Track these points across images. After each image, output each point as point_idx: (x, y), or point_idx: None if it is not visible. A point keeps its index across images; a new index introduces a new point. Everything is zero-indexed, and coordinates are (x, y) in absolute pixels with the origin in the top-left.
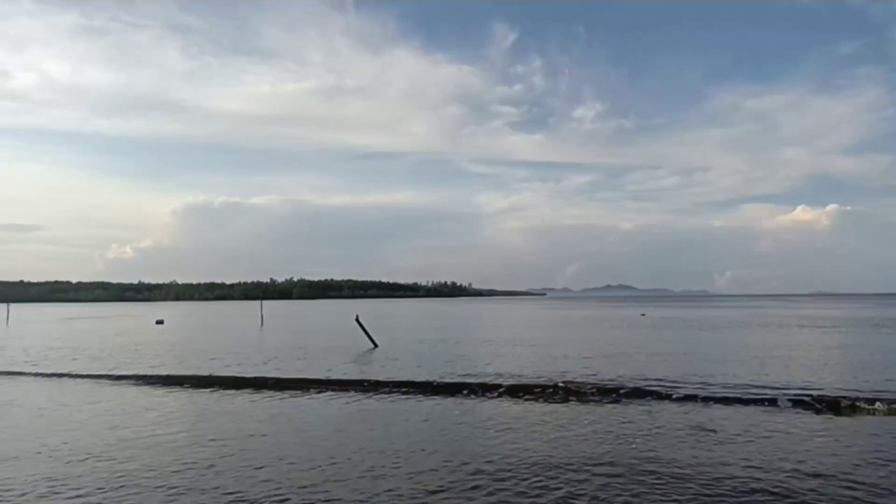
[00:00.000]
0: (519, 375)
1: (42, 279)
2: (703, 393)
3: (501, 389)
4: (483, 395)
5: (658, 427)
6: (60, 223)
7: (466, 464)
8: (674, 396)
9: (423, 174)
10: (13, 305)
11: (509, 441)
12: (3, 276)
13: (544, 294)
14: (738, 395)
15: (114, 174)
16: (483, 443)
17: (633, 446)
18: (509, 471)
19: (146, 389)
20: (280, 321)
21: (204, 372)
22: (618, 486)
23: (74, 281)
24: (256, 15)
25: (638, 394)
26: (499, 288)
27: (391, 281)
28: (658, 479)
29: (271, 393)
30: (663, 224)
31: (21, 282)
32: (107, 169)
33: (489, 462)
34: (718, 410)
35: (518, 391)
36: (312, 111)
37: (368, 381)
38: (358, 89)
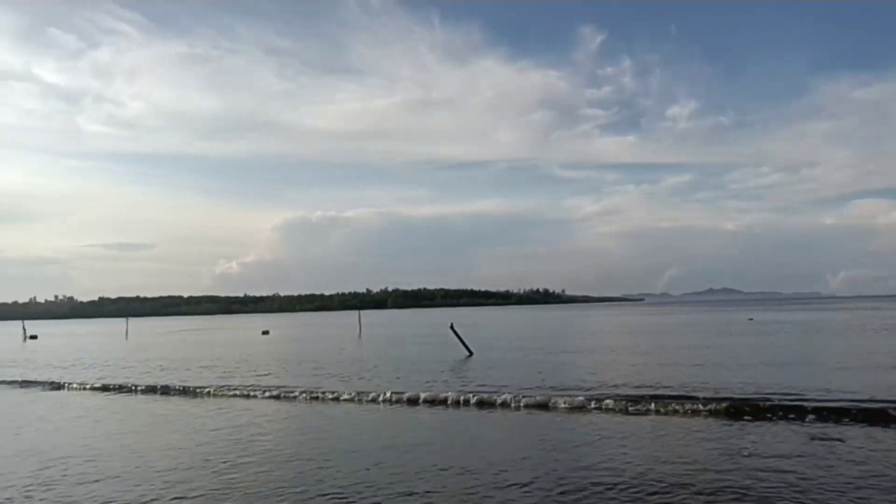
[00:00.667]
0: (622, 385)
1: (156, 294)
2: (824, 404)
3: (606, 402)
4: (585, 406)
5: (777, 441)
6: (171, 241)
7: (567, 482)
8: (791, 407)
9: (512, 181)
10: (131, 319)
11: (614, 456)
12: (122, 292)
13: (642, 300)
14: (864, 407)
15: (218, 193)
16: (587, 459)
17: (752, 463)
18: (618, 488)
19: (260, 401)
20: (377, 331)
21: (313, 383)
22: None
23: (185, 295)
24: (347, 34)
25: (753, 405)
26: (593, 294)
27: (482, 289)
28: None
29: (373, 406)
30: (768, 223)
31: (137, 297)
32: (211, 189)
33: (594, 480)
34: (843, 423)
35: (622, 403)
36: (401, 125)
37: (466, 391)
38: (445, 101)
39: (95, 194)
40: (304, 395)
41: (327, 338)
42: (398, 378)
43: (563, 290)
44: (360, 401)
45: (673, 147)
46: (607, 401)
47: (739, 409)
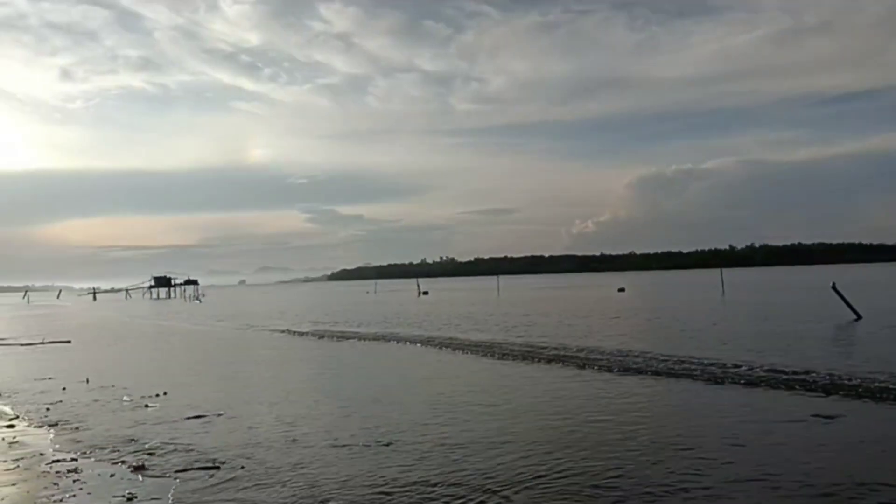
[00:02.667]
0: None
1: (521, 254)
2: None
3: None
4: None
5: None
6: (533, 204)
7: None
8: None
9: None
10: (500, 277)
11: None
12: (493, 253)
13: None
14: None
15: (573, 156)
16: None
17: None
18: None
19: (632, 378)
20: (742, 290)
21: (679, 353)
22: None
23: (546, 255)
24: None
25: None
26: None
27: (875, 242)
28: None
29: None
30: None
31: (505, 257)
32: (567, 152)
33: None
34: None
35: None
36: (767, 60)
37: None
38: (821, 25)
39: (469, 166)
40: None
41: (686, 298)
42: (773, 350)
43: None
44: (735, 381)
45: None
46: None
47: None
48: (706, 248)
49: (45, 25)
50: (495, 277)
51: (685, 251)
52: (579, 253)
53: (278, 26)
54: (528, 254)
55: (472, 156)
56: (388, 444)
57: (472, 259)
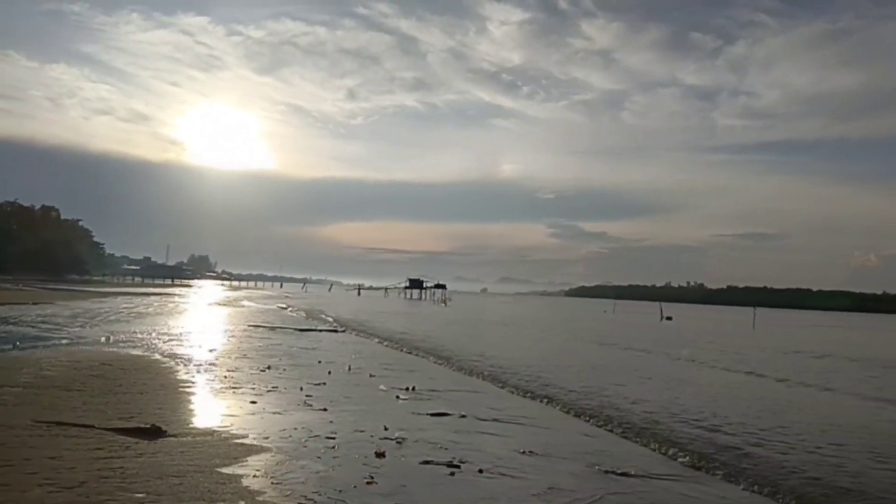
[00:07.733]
0: None
1: (783, 286)
2: None
3: None
4: None
5: None
6: (801, 231)
7: None
8: None
9: None
10: (759, 309)
11: None
12: (749, 282)
13: None
14: None
15: (856, 179)
16: None
17: None
18: None
19: None
20: None
21: None
22: None
23: (815, 289)
24: None
25: None
26: None
27: None
28: None
29: None
30: None
31: (765, 287)
32: (848, 174)
33: None
34: None
35: None
36: None
37: None
38: None
39: (728, 186)
40: None
41: None
42: None
43: None
44: None
45: None
46: None
47: None
48: None
49: (338, 51)
50: (750, 309)
51: None
52: (856, 289)
53: (540, 45)
54: (793, 286)
55: (733, 174)
56: (621, 474)
57: (724, 286)
